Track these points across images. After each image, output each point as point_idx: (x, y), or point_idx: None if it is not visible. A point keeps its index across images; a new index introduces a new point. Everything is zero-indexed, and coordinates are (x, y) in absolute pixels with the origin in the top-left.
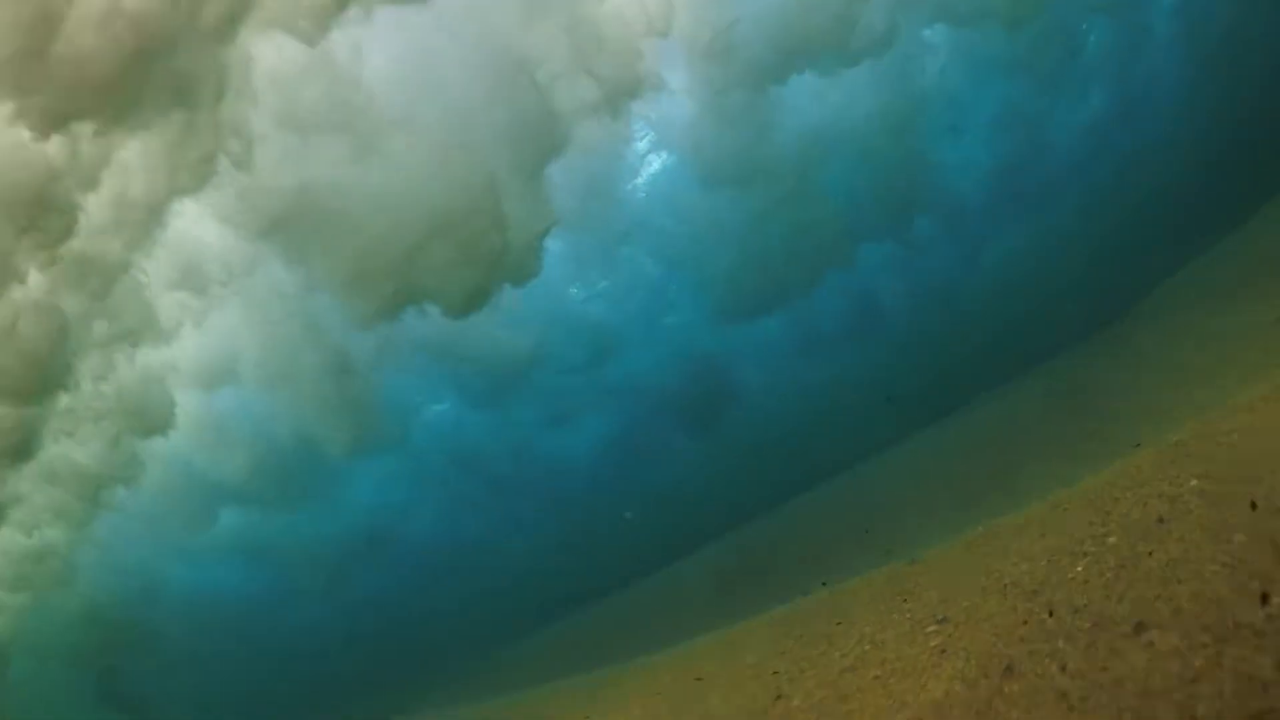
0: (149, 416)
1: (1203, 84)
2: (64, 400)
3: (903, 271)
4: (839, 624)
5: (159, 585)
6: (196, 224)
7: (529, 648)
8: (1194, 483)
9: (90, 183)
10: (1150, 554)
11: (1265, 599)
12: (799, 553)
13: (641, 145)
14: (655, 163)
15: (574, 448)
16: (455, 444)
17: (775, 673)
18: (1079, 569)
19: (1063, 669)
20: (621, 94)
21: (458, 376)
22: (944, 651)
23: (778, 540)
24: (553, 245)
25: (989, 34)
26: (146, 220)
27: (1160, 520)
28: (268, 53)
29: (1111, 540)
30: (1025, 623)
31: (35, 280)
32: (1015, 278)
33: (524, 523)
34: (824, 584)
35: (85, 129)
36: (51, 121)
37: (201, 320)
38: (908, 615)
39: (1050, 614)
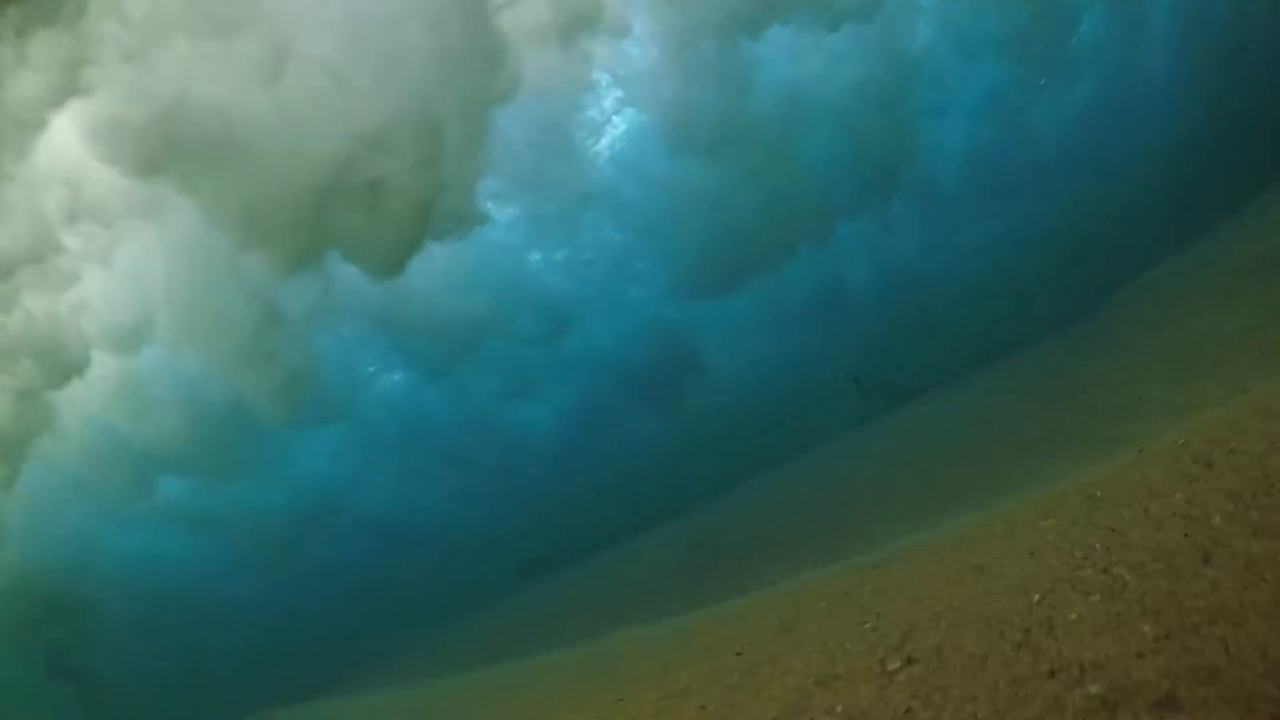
0: (60, 360)
1: (1196, 80)
2: None
3: (878, 251)
4: (786, 636)
5: (98, 554)
6: (78, 149)
7: (476, 625)
8: (1223, 503)
9: None
10: (1174, 594)
11: None
12: (755, 539)
13: (607, 103)
14: (621, 124)
15: (531, 422)
16: (408, 415)
17: (703, 707)
18: (1078, 608)
19: None
20: (576, 22)
21: (407, 344)
22: (910, 713)
23: (735, 524)
24: (509, 208)
25: (981, 9)
26: (19, 134)
27: (1201, 554)
28: None
29: (1119, 571)
30: (1019, 683)
31: None
32: (992, 264)
33: (477, 497)
34: (773, 582)
35: None
36: None
37: (106, 260)
38: (867, 644)
39: (1052, 674)
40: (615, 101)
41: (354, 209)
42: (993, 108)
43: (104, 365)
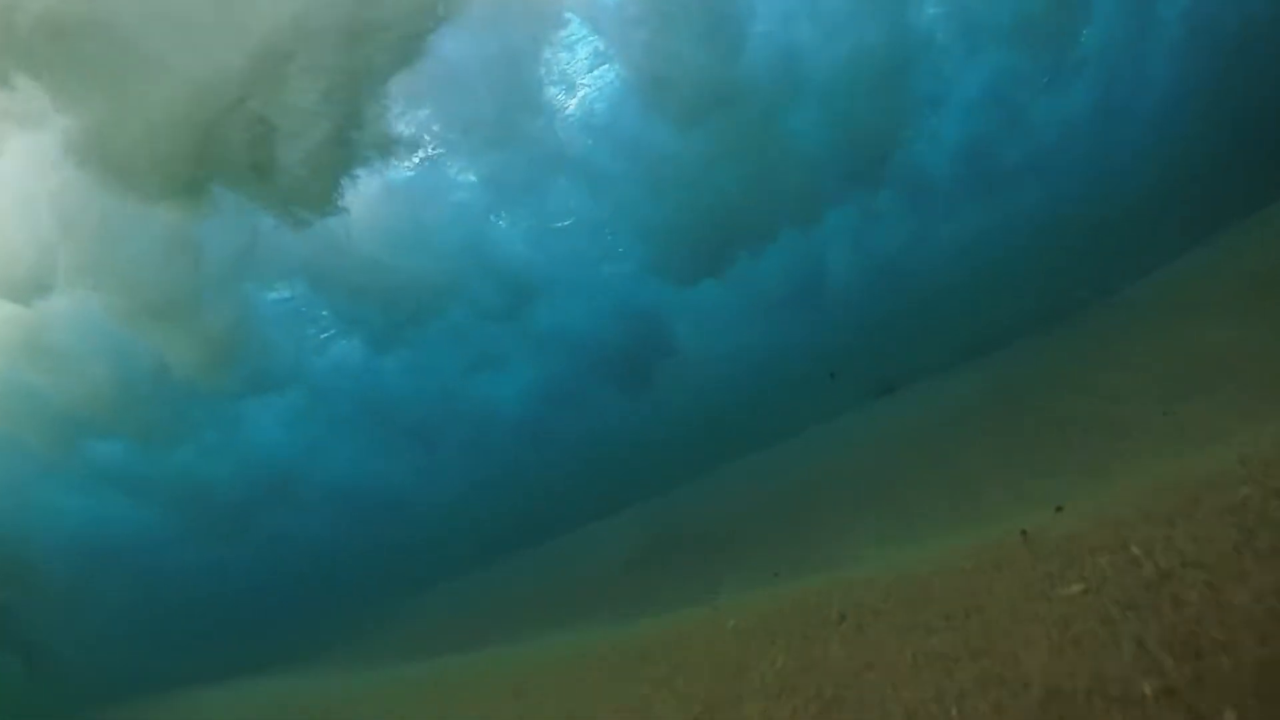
0: None
1: (1204, 85)
2: None
3: (863, 239)
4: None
5: (32, 514)
6: None
7: (406, 613)
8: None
9: None
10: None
11: None
12: (714, 537)
13: (581, 56)
14: (596, 80)
15: (489, 399)
16: (359, 386)
17: None
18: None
19: None
20: None
21: (355, 309)
22: None
23: (696, 518)
24: (465, 164)
25: None
26: None
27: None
28: None
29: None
30: None
31: None
32: (981, 259)
33: (429, 476)
34: (714, 606)
35: None
36: None
37: None
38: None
39: None
40: (592, 55)
41: (248, 135)
42: (992, 97)
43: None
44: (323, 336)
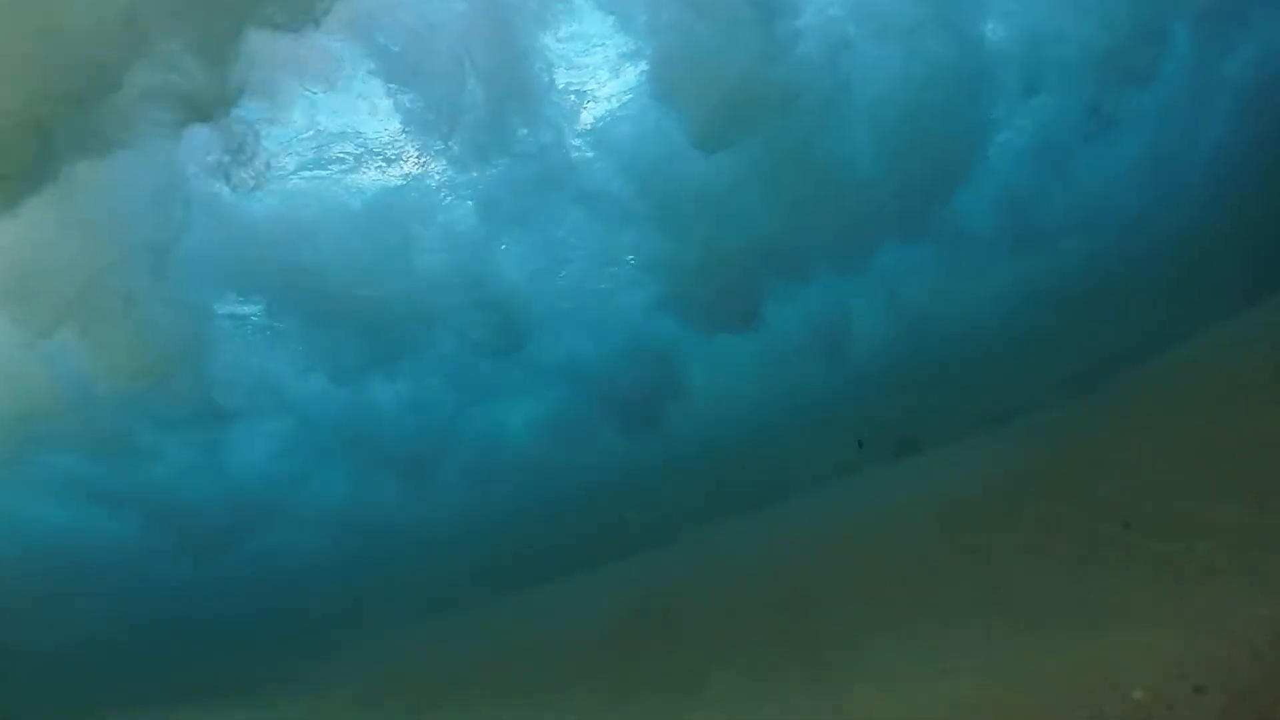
0: None
1: (1260, 145)
2: None
3: (897, 288)
4: None
5: None
6: None
7: (349, 656)
8: None
9: None
10: None
11: None
12: (705, 611)
13: (595, 55)
14: (614, 83)
15: (477, 435)
16: (341, 414)
17: None
18: None
19: None
20: None
21: (321, 338)
22: None
23: (689, 581)
24: (461, 180)
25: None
26: None
27: None
28: None
29: None
30: None
31: None
32: (1012, 316)
33: (413, 508)
34: None
35: None
36: None
37: None
38: None
39: None
40: (611, 54)
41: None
42: (1042, 142)
43: None
44: (286, 363)
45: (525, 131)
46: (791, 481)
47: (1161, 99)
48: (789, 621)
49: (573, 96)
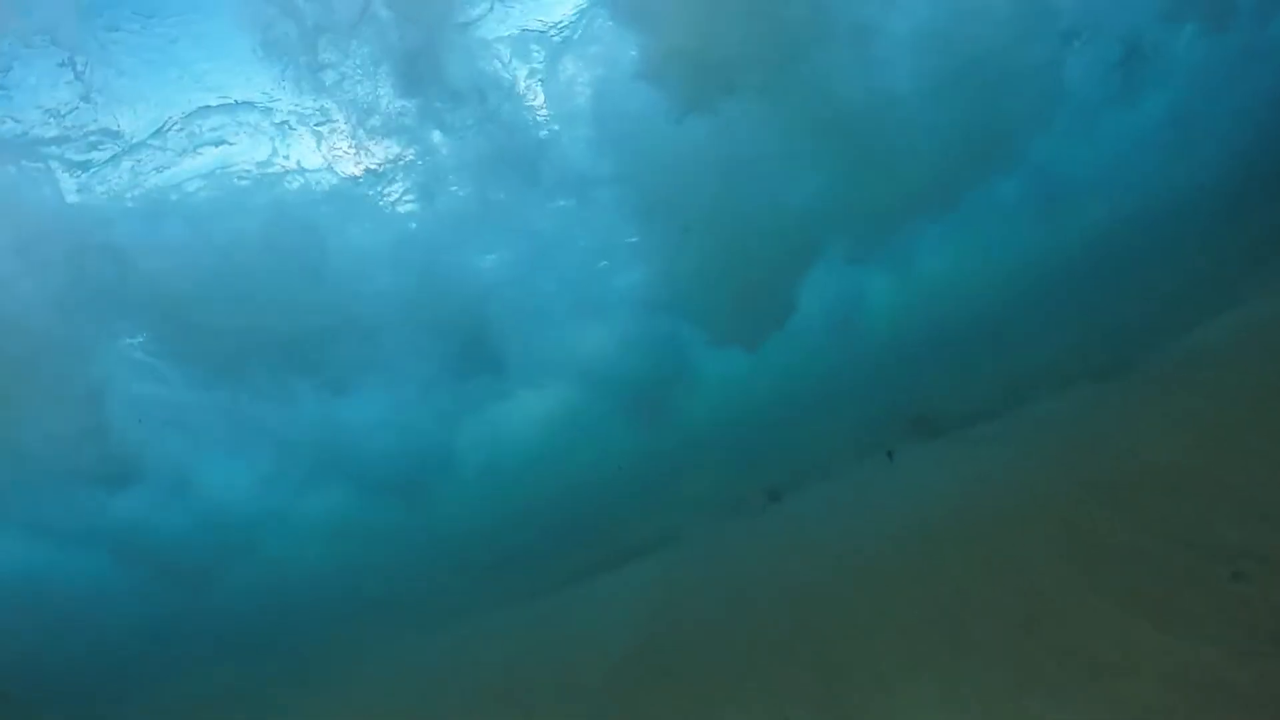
0: None
1: None
2: None
3: (908, 261)
4: None
5: None
6: None
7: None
8: None
9: None
10: None
11: None
12: (722, 635)
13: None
14: (590, 40)
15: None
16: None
17: None
18: None
19: None
20: None
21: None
22: None
23: (708, 592)
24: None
25: None
26: None
27: None
28: None
29: None
30: None
31: None
32: (1037, 286)
33: (405, 526)
34: None
35: None
36: None
37: None
38: None
39: None
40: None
41: None
42: (1080, 96)
43: None
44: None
45: (459, 87)
46: (806, 469)
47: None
48: (811, 649)
49: (513, 35)
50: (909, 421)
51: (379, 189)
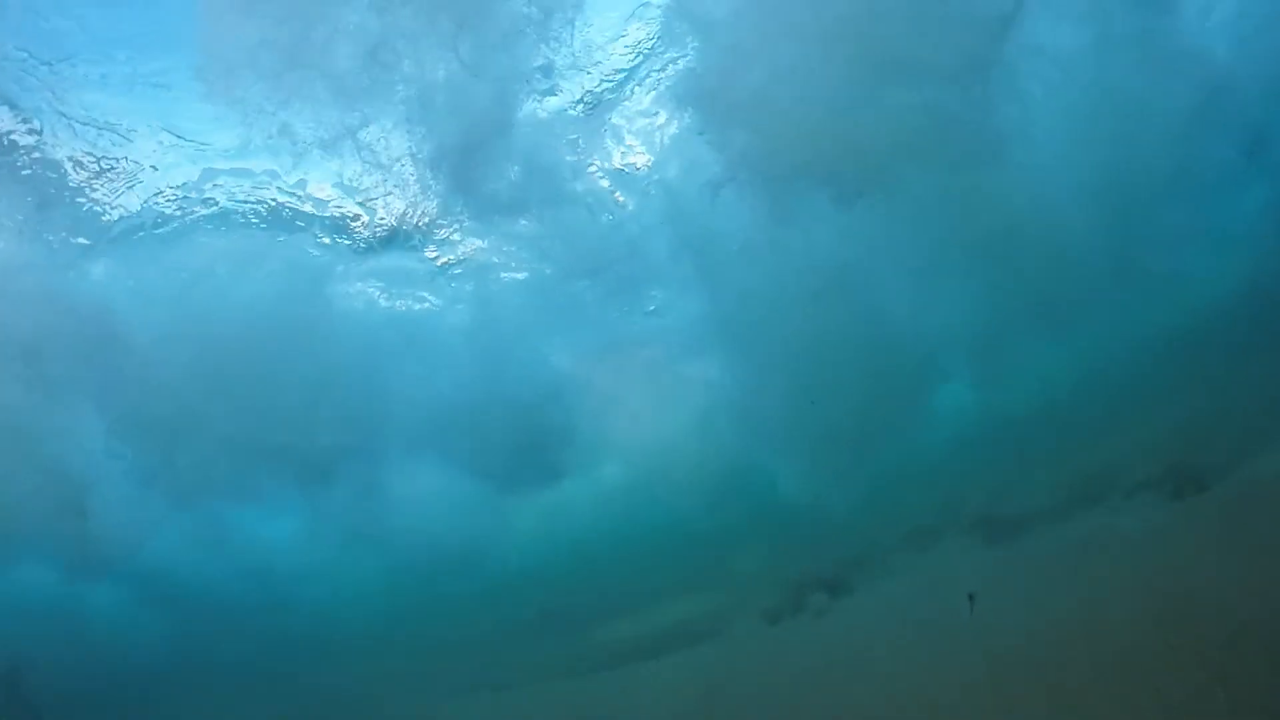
0: None
1: None
2: None
3: None
4: None
5: None
6: None
7: None
8: None
9: None
10: None
11: None
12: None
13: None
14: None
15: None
16: None
17: None
18: None
19: None
20: None
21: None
22: None
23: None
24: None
25: None
26: None
27: None
28: None
29: None
30: None
31: None
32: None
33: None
34: None
35: None
36: None
37: None
38: None
39: None
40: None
41: None
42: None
43: None
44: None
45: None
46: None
47: None
48: None
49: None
50: (971, 521)
51: (438, 284)
